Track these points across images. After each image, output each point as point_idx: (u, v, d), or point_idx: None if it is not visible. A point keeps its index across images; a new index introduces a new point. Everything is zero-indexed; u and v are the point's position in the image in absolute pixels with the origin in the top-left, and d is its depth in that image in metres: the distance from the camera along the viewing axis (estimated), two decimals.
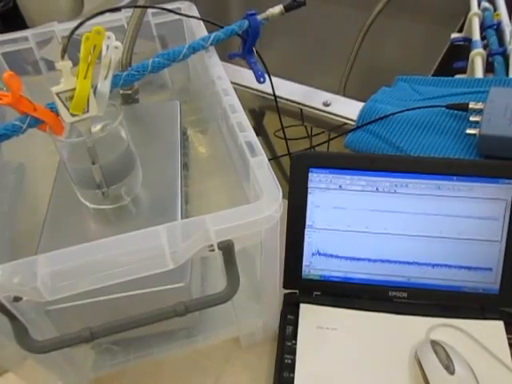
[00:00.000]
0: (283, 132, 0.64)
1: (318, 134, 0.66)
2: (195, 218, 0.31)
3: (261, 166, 0.34)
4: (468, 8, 0.77)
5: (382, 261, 0.46)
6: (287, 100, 0.63)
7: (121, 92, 0.56)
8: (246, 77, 0.66)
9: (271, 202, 0.32)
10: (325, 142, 0.63)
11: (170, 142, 0.49)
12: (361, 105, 0.59)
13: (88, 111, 0.38)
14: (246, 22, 0.51)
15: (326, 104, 0.61)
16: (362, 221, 0.46)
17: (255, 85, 0.65)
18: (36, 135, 0.55)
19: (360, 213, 0.46)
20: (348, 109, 0.61)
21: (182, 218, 0.42)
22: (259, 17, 0.51)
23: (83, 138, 0.38)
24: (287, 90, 0.63)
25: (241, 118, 0.39)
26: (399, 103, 0.59)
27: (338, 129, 0.60)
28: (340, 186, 0.46)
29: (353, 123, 0.59)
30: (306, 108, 0.62)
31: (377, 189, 0.45)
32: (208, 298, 0.34)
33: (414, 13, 1.01)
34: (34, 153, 0.57)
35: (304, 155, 0.46)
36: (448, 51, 0.80)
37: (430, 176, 0.45)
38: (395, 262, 0.46)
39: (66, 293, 0.30)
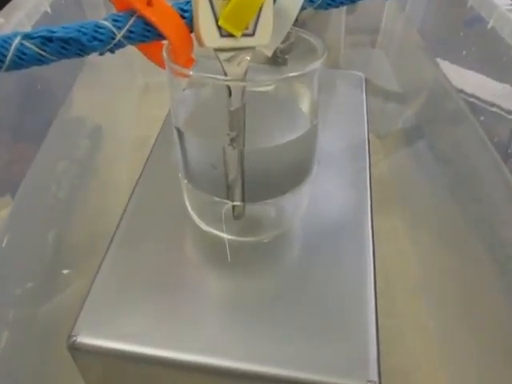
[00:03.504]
0: None
1: None
2: None
3: None
4: None
5: None
6: None
7: None
8: None
9: None
10: None
11: (352, 137, 0.28)
12: None
13: (254, 34, 0.17)
14: None
15: None
16: None
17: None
18: (125, 90, 0.35)
19: None
20: None
21: (375, 289, 0.20)
22: None
23: (230, 81, 0.17)
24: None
25: None
26: None
27: None
28: None
29: None
30: None
31: None
32: None
33: None
34: (119, 116, 0.38)
35: None
36: None
37: None
38: None
39: None
